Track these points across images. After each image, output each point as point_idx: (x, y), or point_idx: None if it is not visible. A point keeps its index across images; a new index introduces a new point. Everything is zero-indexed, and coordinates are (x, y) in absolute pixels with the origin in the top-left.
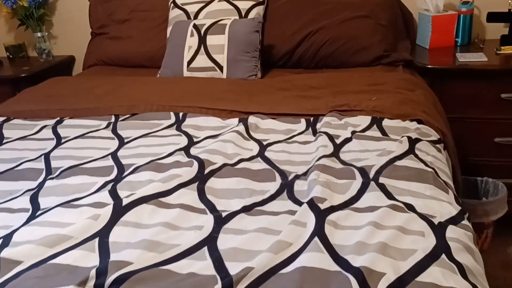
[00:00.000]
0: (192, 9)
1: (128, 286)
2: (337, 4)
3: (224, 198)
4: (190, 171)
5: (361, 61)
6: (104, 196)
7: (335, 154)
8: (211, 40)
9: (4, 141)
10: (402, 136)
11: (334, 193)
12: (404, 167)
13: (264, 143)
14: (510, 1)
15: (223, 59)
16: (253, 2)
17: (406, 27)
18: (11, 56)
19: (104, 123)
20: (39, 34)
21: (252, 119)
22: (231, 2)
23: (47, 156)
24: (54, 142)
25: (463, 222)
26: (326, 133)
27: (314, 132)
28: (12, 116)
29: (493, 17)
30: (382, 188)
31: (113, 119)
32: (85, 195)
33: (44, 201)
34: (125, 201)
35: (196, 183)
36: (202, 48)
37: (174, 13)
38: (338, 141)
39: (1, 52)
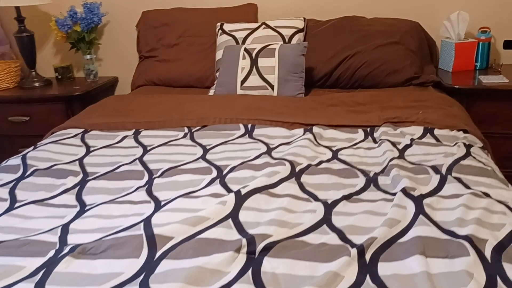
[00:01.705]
0: (239, 35)
1: (276, 251)
2: (369, 32)
3: (321, 190)
4: (286, 169)
5: (394, 82)
6: (218, 188)
7: (402, 156)
8: (262, 62)
9: (92, 149)
10: (456, 142)
11: (419, 185)
12: (469, 166)
13: (334, 148)
14: None
15: (274, 79)
16: (295, 30)
17: (430, 53)
18: (59, 77)
19: (181, 134)
20: (88, 57)
21: (316, 129)
22: (274, 29)
23: (141, 160)
24: (141, 149)
25: None
26: (388, 140)
27: (374, 140)
28: (89, 128)
29: (509, 44)
30: (459, 180)
31: (186, 130)
32: (198, 188)
33: (160, 195)
34: (242, 191)
35: (293, 178)
36: (254, 69)
37: (223, 38)
38: (400, 147)
39: (50, 73)
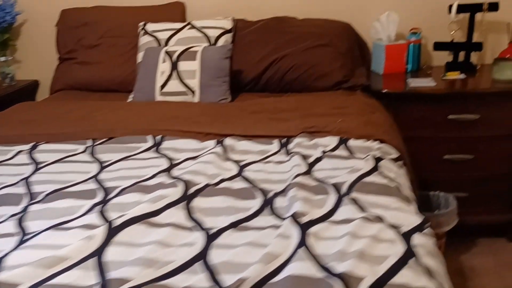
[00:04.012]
0: (162, 36)
1: None
2: (299, 34)
3: (211, 216)
4: (176, 192)
5: (323, 86)
6: (94, 218)
7: (309, 172)
8: (183, 66)
9: None
10: (367, 155)
11: (313, 208)
12: (372, 183)
13: (242, 163)
14: (452, 32)
15: (196, 84)
16: (222, 30)
17: (362, 55)
18: None
19: (81, 147)
20: (3, 59)
21: (228, 141)
22: (200, 30)
23: (27, 181)
24: (32, 167)
25: (426, 229)
26: (299, 153)
27: (287, 153)
28: None
29: (439, 46)
30: (355, 202)
31: (89, 143)
32: (73, 217)
33: (31, 225)
34: (116, 222)
35: (183, 203)
36: (174, 73)
37: (145, 39)
38: (310, 161)
39: None
